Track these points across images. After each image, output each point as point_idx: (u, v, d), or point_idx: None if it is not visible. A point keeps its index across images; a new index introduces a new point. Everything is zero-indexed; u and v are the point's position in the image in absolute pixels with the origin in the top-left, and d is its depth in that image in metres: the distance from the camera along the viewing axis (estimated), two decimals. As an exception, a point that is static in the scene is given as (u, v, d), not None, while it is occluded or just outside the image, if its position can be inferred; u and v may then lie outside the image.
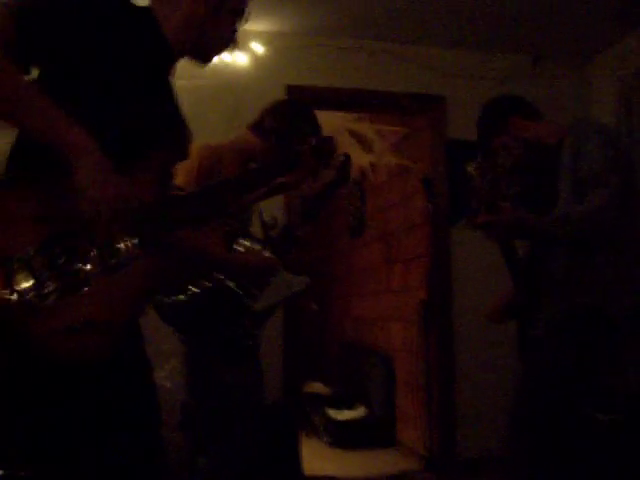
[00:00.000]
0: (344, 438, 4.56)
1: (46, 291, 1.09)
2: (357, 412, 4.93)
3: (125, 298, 1.20)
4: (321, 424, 4.78)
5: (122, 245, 1.19)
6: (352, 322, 6.02)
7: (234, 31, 1.52)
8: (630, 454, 2.23)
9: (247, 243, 2.19)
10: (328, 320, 6.74)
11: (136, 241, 1.21)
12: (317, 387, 5.45)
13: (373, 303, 5.42)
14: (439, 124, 4.11)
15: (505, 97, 2.37)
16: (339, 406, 5.00)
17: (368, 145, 5.21)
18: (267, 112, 2.26)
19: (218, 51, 1.53)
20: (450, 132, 4.06)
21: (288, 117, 2.23)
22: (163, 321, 2.13)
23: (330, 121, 4.38)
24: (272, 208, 2.52)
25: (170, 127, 1.42)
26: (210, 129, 2.91)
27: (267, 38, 3.86)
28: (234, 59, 3.79)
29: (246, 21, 1.54)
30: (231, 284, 2.12)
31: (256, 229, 2.33)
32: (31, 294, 1.08)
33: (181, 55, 1.47)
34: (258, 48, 3.84)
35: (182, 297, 2.09)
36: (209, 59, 1.53)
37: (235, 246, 2.16)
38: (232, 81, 3.77)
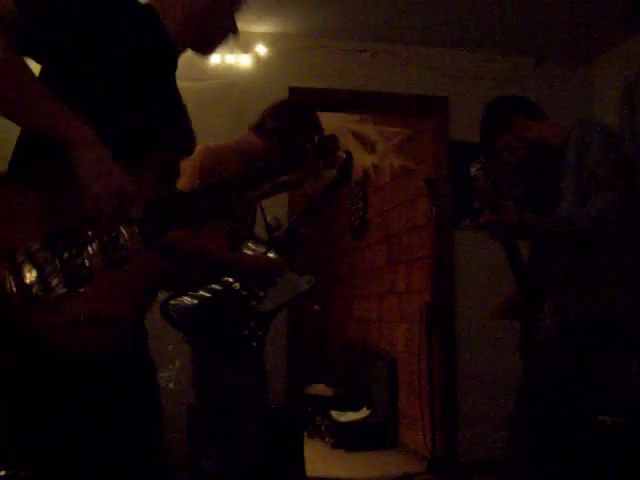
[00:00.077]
0: (347, 439, 4.56)
1: (50, 285, 1.09)
2: (360, 414, 4.92)
3: (128, 295, 1.19)
4: (324, 425, 4.78)
5: (125, 240, 1.19)
6: (355, 323, 6.01)
7: (234, 20, 1.52)
8: (630, 455, 2.23)
9: (252, 245, 2.19)
10: (331, 321, 6.74)
11: (139, 237, 1.21)
12: (320, 389, 5.45)
13: (376, 304, 5.41)
14: (442, 125, 4.11)
15: (509, 97, 2.37)
16: (342, 408, 4.99)
17: (371, 146, 5.21)
18: (268, 113, 2.27)
19: (220, 42, 1.53)
20: (453, 133, 4.06)
21: (289, 117, 2.23)
22: (172, 326, 2.12)
23: (333, 122, 4.39)
24: (275, 207, 2.52)
25: (173, 125, 1.42)
26: (213, 130, 2.92)
27: (270, 39, 3.87)
28: (237, 60, 3.81)
29: (246, 7, 1.54)
30: (236, 285, 2.12)
31: (259, 230, 2.33)
32: (35, 288, 1.08)
33: (183, 49, 1.47)
34: (261, 49, 3.85)
35: (194, 301, 2.10)
36: (211, 51, 1.54)
37: (245, 250, 2.16)
38: (235, 82, 3.78)
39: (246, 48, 3.82)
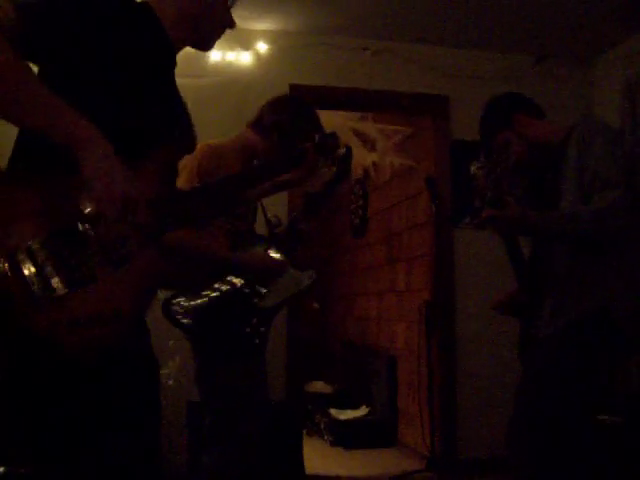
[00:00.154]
0: (346, 437, 4.57)
1: (51, 285, 1.09)
2: (359, 412, 4.93)
3: (128, 293, 1.19)
4: (323, 423, 4.78)
5: (126, 240, 1.19)
6: (355, 321, 6.01)
7: (230, 14, 1.51)
8: (630, 455, 2.23)
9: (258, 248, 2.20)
10: (331, 319, 6.75)
11: (140, 236, 1.21)
12: (319, 386, 5.45)
13: (376, 302, 5.41)
14: (443, 124, 4.11)
15: (509, 94, 2.36)
16: (341, 405, 5.00)
17: (371, 145, 5.21)
18: (266, 109, 2.26)
19: (217, 37, 1.53)
20: (453, 132, 4.06)
21: (287, 112, 2.22)
22: (181, 329, 2.12)
23: (333, 120, 4.39)
24: (275, 206, 2.52)
25: (174, 123, 1.42)
26: (213, 128, 2.91)
27: (271, 37, 3.86)
28: (238, 58, 3.80)
29: (244, 2, 1.53)
30: (238, 283, 2.12)
31: (260, 228, 2.33)
32: (35, 287, 1.08)
33: (181, 47, 1.47)
34: (262, 47, 3.84)
35: (203, 300, 2.09)
36: (209, 47, 1.54)
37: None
38: (236, 80, 3.77)
39: (247, 45, 3.81)
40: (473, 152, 2.31)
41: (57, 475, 1.21)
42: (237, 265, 2.11)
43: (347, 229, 6.19)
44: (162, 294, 2.05)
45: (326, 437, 4.69)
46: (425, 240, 4.30)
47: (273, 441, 2.91)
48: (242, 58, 3.81)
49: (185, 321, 2.09)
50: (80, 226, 1.14)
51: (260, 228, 2.33)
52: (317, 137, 2.04)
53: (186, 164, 1.97)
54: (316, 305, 6.45)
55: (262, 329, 2.14)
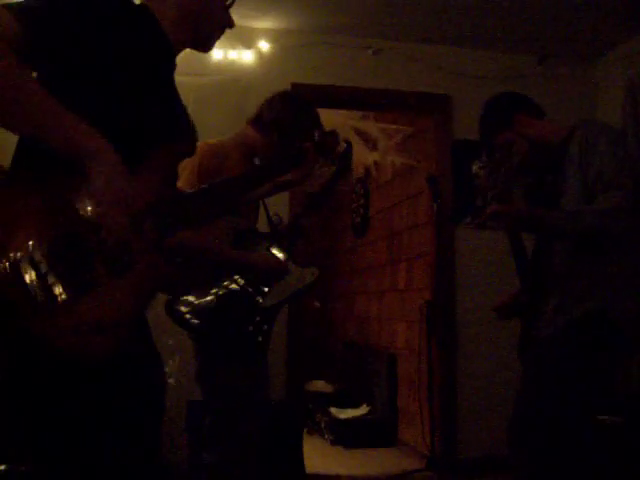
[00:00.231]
0: (346, 436, 4.57)
1: (54, 293, 1.08)
2: (359, 411, 4.93)
3: (131, 298, 1.19)
4: (323, 422, 4.78)
5: (129, 246, 1.18)
6: (355, 321, 6.01)
7: (229, 14, 1.51)
8: (630, 455, 2.22)
9: (275, 251, 2.20)
10: (331, 318, 6.75)
11: (143, 242, 1.21)
12: (320, 385, 5.46)
13: (377, 302, 5.41)
14: (444, 123, 4.11)
15: (508, 94, 2.35)
16: (342, 404, 5.00)
17: (373, 144, 5.21)
18: (265, 106, 2.26)
19: (217, 38, 1.53)
20: (455, 131, 4.05)
21: (286, 109, 2.22)
22: (180, 325, 2.11)
23: (335, 119, 4.39)
24: (277, 205, 2.52)
25: (174, 125, 1.41)
26: (214, 126, 2.91)
27: (273, 36, 3.86)
28: (240, 56, 3.80)
29: (244, 2, 1.53)
30: (241, 281, 2.11)
31: (262, 226, 2.33)
32: (39, 296, 1.07)
33: (181, 49, 1.47)
34: (264, 46, 3.84)
35: (212, 299, 2.09)
36: (209, 47, 1.53)
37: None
38: (237, 78, 3.77)
39: (249, 44, 3.81)
40: (475, 151, 2.30)
41: (57, 475, 1.21)
42: (242, 264, 2.11)
43: (348, 228, 6.19)
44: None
45: (326, 436, 4.69)
46: (426, 239, 4.30)
47: (273, 440, 2.91)
48: (244, 57, 3.81)
49: (195, 321, 2.08)
50: (83, 233, 1.13)
51: (262, 227, 2.33)
52: (316, 136, 2.04)
53: (186, 165, 1.96)
54: (317, 304, 6.45)
55: (265, 327, 2.13)
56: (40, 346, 1.10)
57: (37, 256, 1.08)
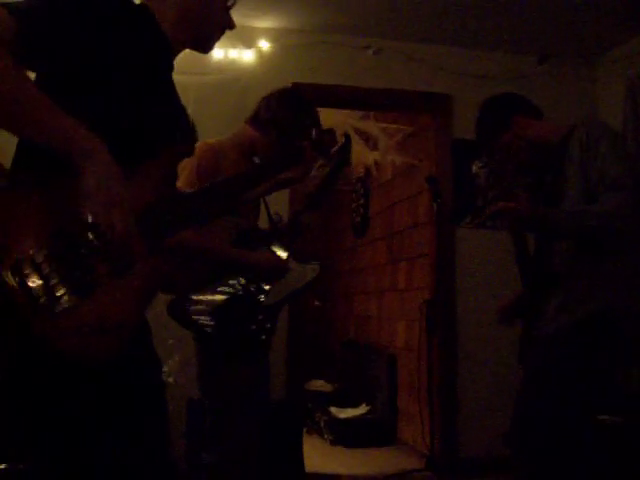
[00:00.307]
0: (346, 436, 4.57)
1: (57, 295, 1.08)
2: (359, 410, 4.93)
3: (132, 299, 1.19)
4: (323, 422, 4.78)
5: (129, 247, 1.18)
6: (355, 320, 6.02)
7: (229, 15, 1.50)
8: (630, 455, 2.22)
9: (276, 248, 2.20)
10: (331, 318, 6.75)
11: (143, 243, 1.20)
12: (320, 385, 5.46)
13: (377, 301, 5.42)
14: (445, 123, 4.10)
15: (506, 95, 2.34)
16: (341, 404, 5.00)
17: (373, 143, 5.20)
18: (263, 104, 2.26)
19: (217, 39, 1.52)
20: (456, 131, 4.05)
21: (284, 107, 2.21)
22: (186, 326, 2.11)
23: (335, 119, 4.38)
24: (277, 205, 2.52)
25: (173, 125, 1.41)
26: (215, 126, 2.91)
27: (273, 35, 3.86)
28: (240, 56, 3.80)
29: (245, 2, 1.53)
30: (242, 280, 2.11)
31: (262, 224, 2.33)
32: (42, 299, 1.07)
33: (181, 49, 1.47)
34: (264, 45, 3.84)
35: (222, 298, 2.09)
36: (209, 48, 1.52)
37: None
38: (238, 78, 3.77)
39: (249, 43, 3.81)
40: (475, 151, 2.30)
41: (57, 475, 1.21)
42: (244, 263, 2.11)
43: (348, 228, 6.19)
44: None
45: (326, 435, 4.69)
46: (426, 239, 4.30)
47: (273, 439, 2.91)
48: (245, 56, 3.81)
49: (206, 321, 2.07)
50: (83, 235, 1.13)
51: (263, 225, 2.33)
52: (314, 134, 2.04)
53: (185, 165, 1.96)
54: (318, 303, 6.46)
55: (268, 325, 2.13)
56: (41, 346, 1.09)
57: (39, 258, 1.08)
